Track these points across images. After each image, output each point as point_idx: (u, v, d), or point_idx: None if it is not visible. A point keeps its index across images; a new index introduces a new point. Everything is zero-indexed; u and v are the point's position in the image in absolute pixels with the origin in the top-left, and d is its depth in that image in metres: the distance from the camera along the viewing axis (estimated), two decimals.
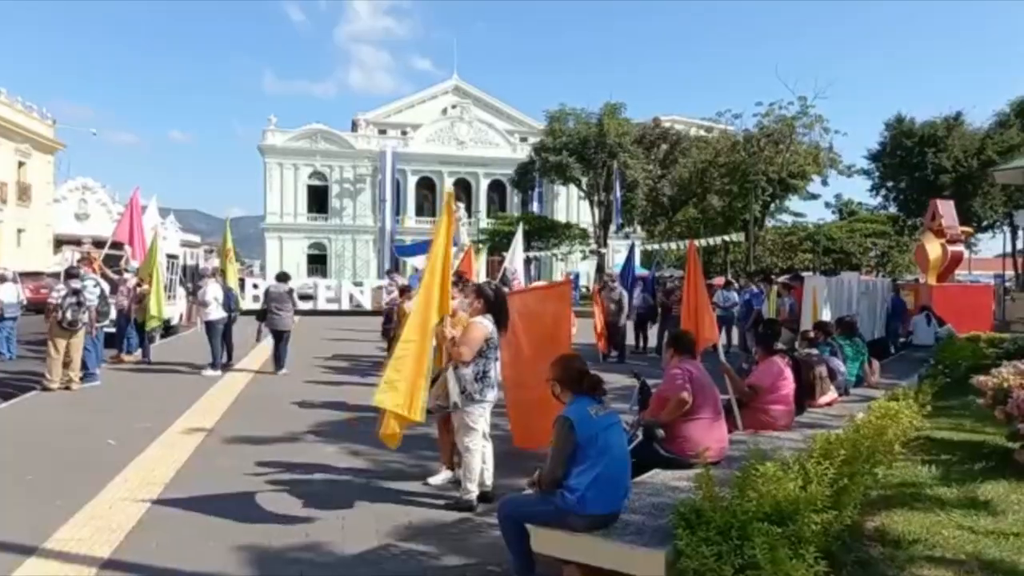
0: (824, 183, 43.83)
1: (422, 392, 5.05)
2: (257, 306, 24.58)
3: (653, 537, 3.70)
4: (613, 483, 3.87)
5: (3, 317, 13.95)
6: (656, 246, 40.94)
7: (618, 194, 37.33)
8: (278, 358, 12.27)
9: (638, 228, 47.42)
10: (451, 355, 5.58)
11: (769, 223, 46.97)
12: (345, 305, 26.89)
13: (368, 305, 26.18)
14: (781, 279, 16.16)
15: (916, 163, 43.75)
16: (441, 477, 6.06)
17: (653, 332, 16.13)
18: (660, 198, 42.29)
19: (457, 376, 5.48)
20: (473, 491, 5.41)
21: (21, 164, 37.18)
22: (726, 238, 36.26)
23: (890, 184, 47.99)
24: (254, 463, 6.62)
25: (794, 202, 48.11)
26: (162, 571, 4.34)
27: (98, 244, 18.31)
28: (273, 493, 5.81)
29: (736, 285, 16.89)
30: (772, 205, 44.44)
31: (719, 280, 24.29)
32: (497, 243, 44.08)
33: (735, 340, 15.91)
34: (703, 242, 34.20)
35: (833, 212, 60.39)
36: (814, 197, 48.44)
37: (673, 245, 39.62)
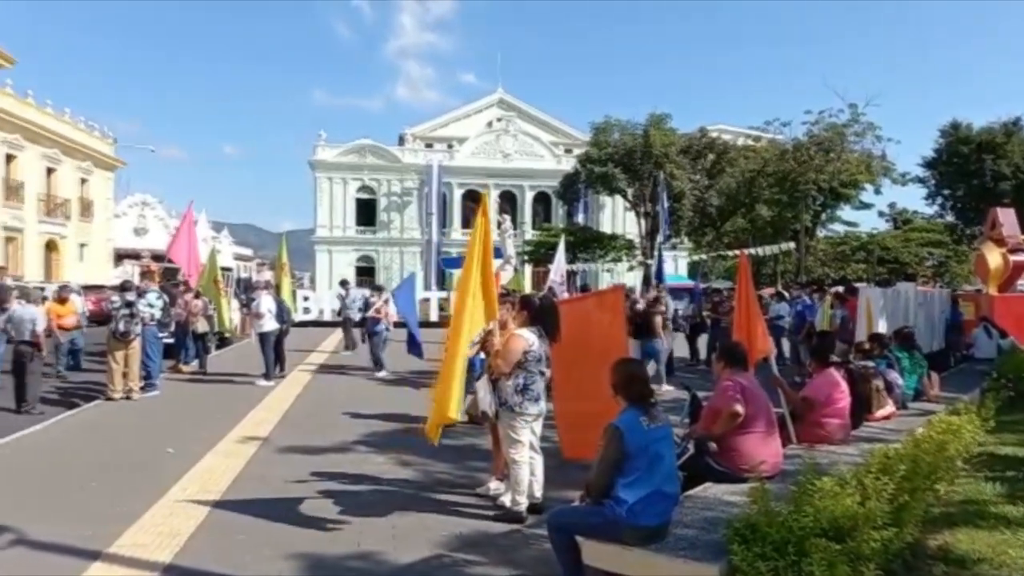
0: (877, 192, 42.80)
1: (453, 393, 5.07)
2: (308, 317, 25.34)
3: (707, 551, 3.66)
4: (663, 495, 3.84)
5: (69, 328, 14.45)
6: (704, 257, 40.46)
7: (664, 205, 37.00)
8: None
9: (685, 239, 46.90)
10: (490, 366, 5.61)
11: (820, 233, 46.05)
12: (395, 316, 27.11)
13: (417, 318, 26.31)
14: (833, 290, 15.82)
15: (974, 170, 42.50)
16: (492, 486, 6.08)
17: (703, 344, 15.94)
18: (707, 208, 41.78)
19: (498, 388, 5.50)
20: (522, 503, 5.41)
21: (84, 181, 38.60)
22: (775, 248, 35.65)
23: (946, 192, 46.68)
24: (307, 472, 6.73)
25: (846, 211, 47.08)
26: None
27: (156, 258, 18.93)
28: (325, 502, 5.90)
29: (788, 296, 16.57)
30: (823, 215, 43.57)
31: (768, 291, 23.89)
32: (542, 255, 44.12)
33: (787, 352, 15.61)
34: (752, 251, 33.69)
35: (887, 221, 58.82)
36: (867, 206, 47.35)
37: (729, 254, 39.03)
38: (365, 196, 61.14)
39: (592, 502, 3.95)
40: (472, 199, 62.31)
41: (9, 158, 31.27)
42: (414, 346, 12.77)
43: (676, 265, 56.39)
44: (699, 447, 5.10)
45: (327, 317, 25.43)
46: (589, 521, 3.91)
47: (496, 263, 10.23)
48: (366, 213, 61.21)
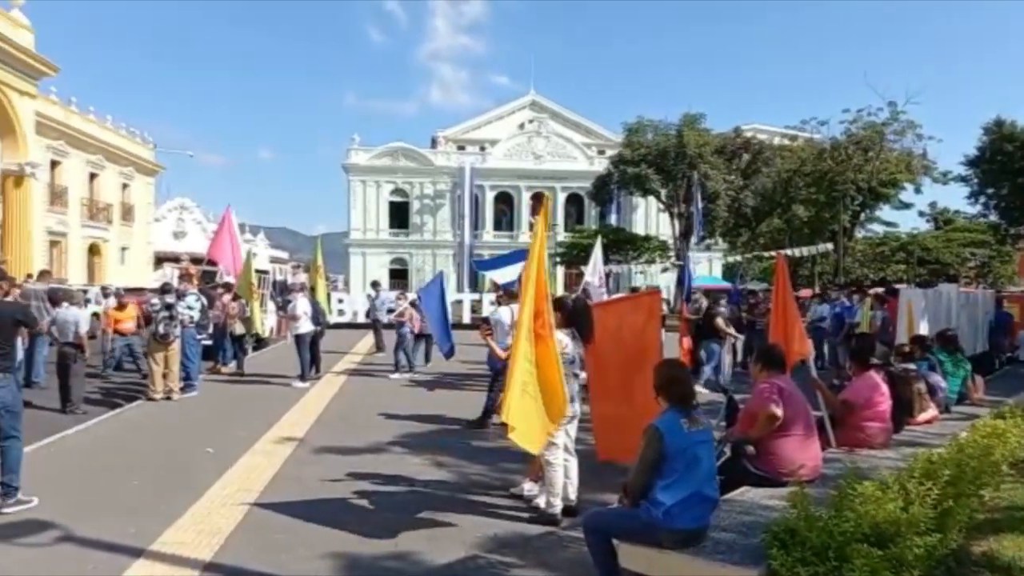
0: (917, 191, 41.88)
1: (560, 395, 5.02)
2: (342, 319, 25.62)
3: (745, 556, 3.62)
4: (701, 498, 3.81)
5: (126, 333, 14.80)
6: (740, 258, 40.01)
7: (699, 205, 36.67)
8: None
9: (720, 240, 46.42)
10: None
11: (859, 233, 45.21)
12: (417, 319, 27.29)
13: (449, 318, 26.47)
14: (873, 291, 15.53)
15: (1018, 168, 41.27)
16: (526, 488, 6.08)
17: (739, 346, 15.75)
18: (742, 209, 41.32)
19: None
20: (557, 505, 5.40)
21: (125, 186, 39.43)
22: (813, 249, 35.13)
23: (990, 191, 45.41)
24: (342, 472, 6.80)
25: (885, 211, 46.14)
26: (259, 575, 4.50)
27: (195, 261, 19.26)
28: (361, 502, 5.96)
29: (831, 297, 16.27)
30: (862, 215, 42.77)
31: (806, 292, 23.54)
32: (575, 257, 44.01)
33: (826, 355, 15.35)
34: (789, 252, 33.23)
35: (928, 221, 57.56)
36: (907, 206, 46.32)
37: (765, 255, 38.55)
38: (398, 199, 61.62)
39: (630, 503, 3.93)
40: (504, 201, 62.51)
41: (54, 164, 32.06)
42: (441, 346, 12.87)
43: (711, 266, 55.86)
44: (736, 450, 5.04)
45: (361, 319, 25.77)
46: (626, 524, 3.89)
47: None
48: (399, 216, 61.67)
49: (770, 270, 41.67)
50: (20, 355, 10.46)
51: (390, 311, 15.62)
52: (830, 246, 36.98)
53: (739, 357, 15.09)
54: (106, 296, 16.63)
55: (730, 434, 5.35)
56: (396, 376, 13.64)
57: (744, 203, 40.98)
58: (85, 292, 17.59)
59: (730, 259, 41.05)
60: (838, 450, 5.95)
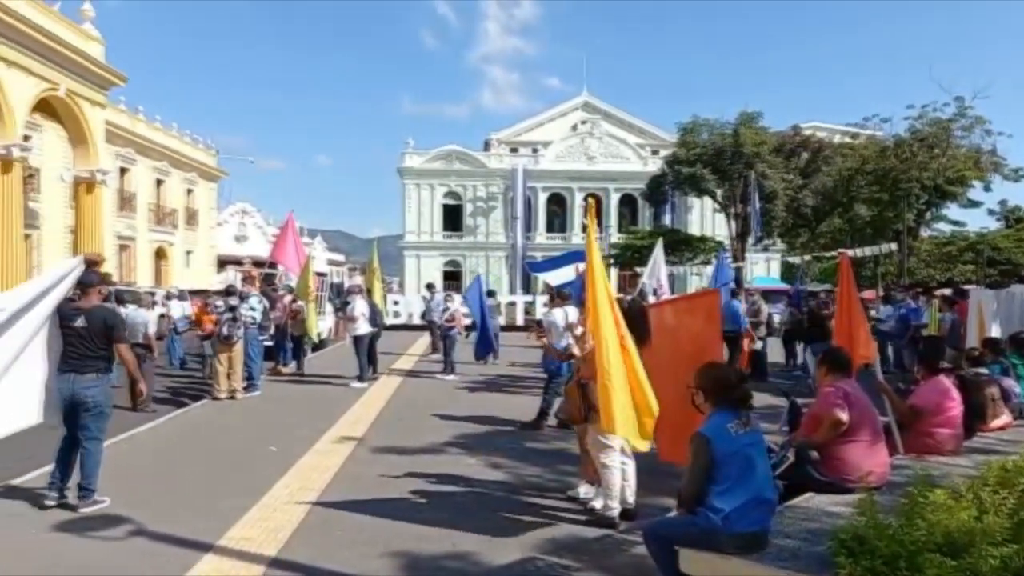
0: (987, 189, 40.19)
1: (648, 396, 5.06)
2: (397, 321, 25.97)
3: (810, 563, 3.54)
4: (759, 501, 3.74)
5: (176, 331, 15.37)
6: (803, 258, 39.08)
7: (756, 205, 35.99)
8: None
9: (778, 240, 45.46)
10: (578, 370, 5.58)
11: (924, 233, 43.69)
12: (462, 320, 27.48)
13: (501, 320, 26.61)
14: (940, 292, 15.02)
15: None
16: (581, 491, 6.06)
17: (798, 348, 15.42)
18: (801, 209, 40.37)
19: (587, 392, 5.48)
20: (615, 508, 5.37)
21: (189, 191, 40.75)
22: (876, 249, 34.11)
23: None
24: (401, 472, 6.89)
25: (952, 210, 44.45)
26: (320, 572, 4.60)
27: (257, 264, 19.78)
28: (419, 502, 6.03)
29: (895, 298, 15.77)
30: (927, 213, 41.34)
31: (869, 294, 22.88)
32: (628, 258, 43.65)
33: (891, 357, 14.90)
34: (851, 252, 32.31)
35: (998, 220, 55.31)
36: (975, 204, 44.52)
37: (826, 255, 37.58)
38: (451, 201, 62.17)
39: (686, 512, 3.89)
40: (556, 203, 62.47)
41: (123, 171, 33.33)
42: (484, 346, 13.09)
43: (768, 267, 54.77)
44: (800, 456, 4.93)
45: (415, 321, 26.14)
46: (686, 531, 3.84)
47: (580, 266, 10.27)
48: (452, 218, 62.23)
49: (831, 271, 40.62)
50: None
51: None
52: (894, 246, 35.78)
53: (799, 360, 14.77)
54: (170, 298, 17.21)
55: (793, 439, 5.23)
56: (450, 377, 13.77)
57: (803, 202, 40.04)
58: (152, 295, 18.23)
59: (788, 258, 40.08)
60: (906, 456, 5.76)
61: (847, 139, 41.25)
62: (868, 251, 34.24)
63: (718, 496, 3.71)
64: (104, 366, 5.88)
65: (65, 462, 5.80)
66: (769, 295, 20.01)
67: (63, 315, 5.58)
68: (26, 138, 22.16)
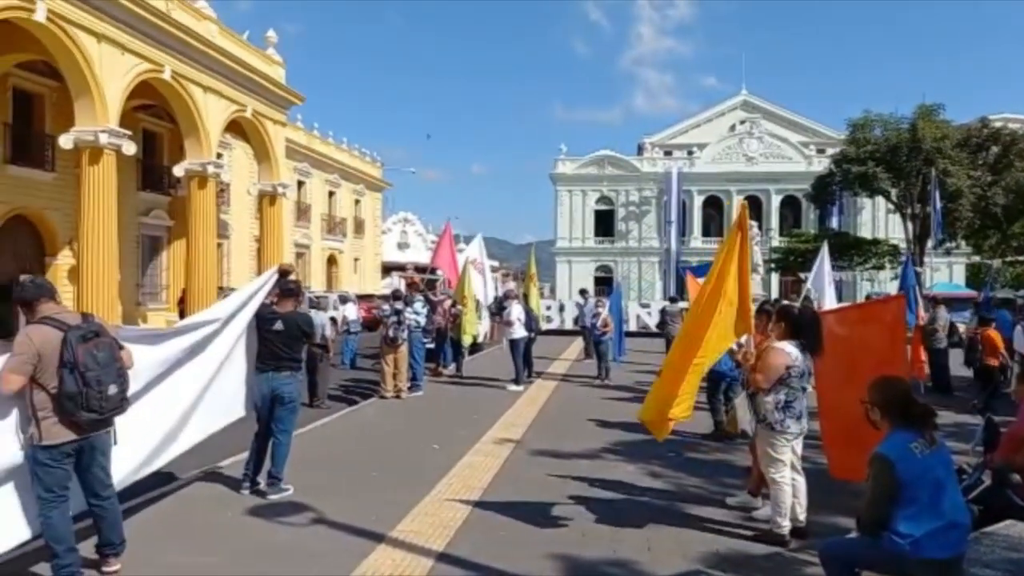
0: None
1: (686, 396, 5.09)
2: (551, 326, 26.29)
3: None
4: (952, 525, 3.43)
5: (348, 332, 16.44)
6: (997, 263, 35.51)
7: (937, 205, 33.05)
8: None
9: (962, 243, 41.56)
10: (750, 381, 5.37)
11: None
12: (632, 327, 27.19)
13: (654, 326, 26.25)
14: None
15: None
16: (739, 500, 5.90)
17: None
18: (990, 208, 36.66)
19: (756, 404, 5.26)
20: (785, 525, 5.12)
21: (357, 202, 43.36)
22: None
23: None
24: (558, 475, 6.95)
25: None
26: (485, 569, 4.72)
27: (419, 270, 20.69)
28: (577, 506, 6.04)
29: None
30: None
31: None
32: (791, 263, 41.57)
33: None
34: None
35: None
36: None
37: (1021, 259, 33.97)
38: (603, 207, 61.98)
39: (868, 536, 3.62)
40: (712, 206, 60.61)
41: (300, 184, 36.02)
42: (618, 350, 13.24)
43: (951, 272, 50.21)
44: (998, 478, 4.48)
45: (568, 326, 26.43)
46: (868, 554, 3.59)
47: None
48: (604, 223, 62.03)
49: None
50: None
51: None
52: None
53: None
54: (344, 302, 18.40)
55: (990, 460, 4.76)
56: (604, 383, 13.70)
57: (993, 201, 36.32)
58: (326, 299, 19.55)
59: (976, 259, 36.42)
60: None
61: None
62: None
63: (905, 521, 3.43)
64: (296, 365, 6.44)
65: (259, 452, 6.33)
66: (952, 302, 18.36)
67: (261, 319, 6.16)
68: (219, 156, 24.47)
